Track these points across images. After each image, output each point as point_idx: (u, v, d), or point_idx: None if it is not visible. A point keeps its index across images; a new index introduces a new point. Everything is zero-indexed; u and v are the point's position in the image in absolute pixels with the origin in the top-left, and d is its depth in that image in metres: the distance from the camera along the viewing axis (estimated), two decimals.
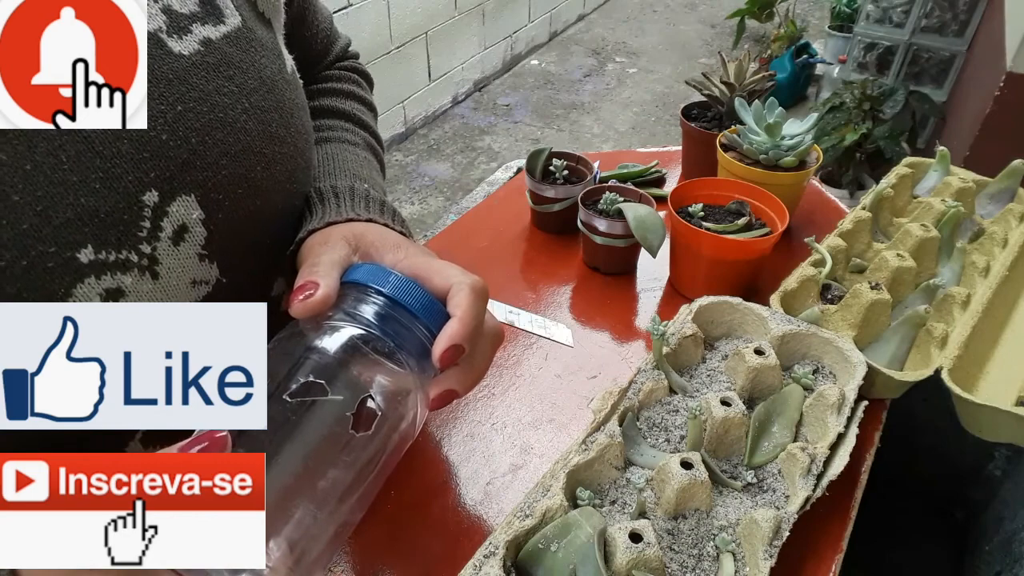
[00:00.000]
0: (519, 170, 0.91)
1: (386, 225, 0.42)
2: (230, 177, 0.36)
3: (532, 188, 0.76)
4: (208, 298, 0.38)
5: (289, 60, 0.43)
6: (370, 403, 0.33)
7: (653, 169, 0.88)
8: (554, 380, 0.60)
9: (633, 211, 0.66)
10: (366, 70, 0.61)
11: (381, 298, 0.35)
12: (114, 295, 0.33)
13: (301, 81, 0.45)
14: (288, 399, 0.31)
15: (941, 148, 0.79)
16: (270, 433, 0.30)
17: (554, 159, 0.77)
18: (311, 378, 0.32)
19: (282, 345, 0.34)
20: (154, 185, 0.33)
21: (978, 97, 1.74)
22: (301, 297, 0.34)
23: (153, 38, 0.34)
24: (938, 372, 0.53)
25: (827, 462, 0.46)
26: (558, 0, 3.46)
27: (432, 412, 0.57)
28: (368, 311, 0.35)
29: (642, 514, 0.44)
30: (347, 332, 0.34)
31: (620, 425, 0.48)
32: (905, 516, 0.71)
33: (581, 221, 0.71)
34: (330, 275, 0.35)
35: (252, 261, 0.40)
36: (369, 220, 0.42)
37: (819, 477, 0.45)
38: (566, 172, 0.77)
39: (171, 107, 0.34)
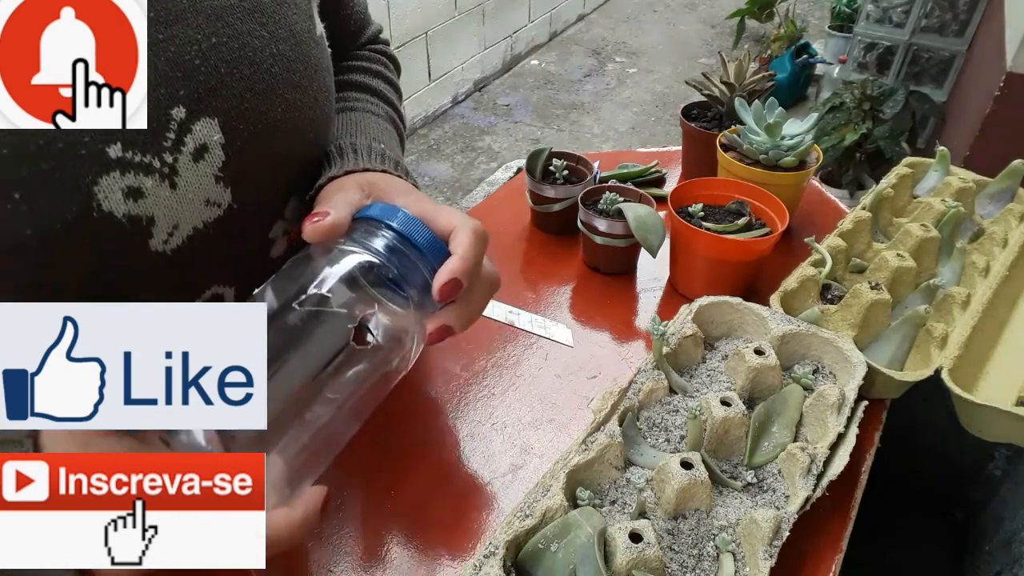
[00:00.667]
0: (519, 170, 0.91)
1: (399, 177, 0.45)
2: (252, 111, 0.39)
3: (532, 188, 0.76)
4: (220, 220, 0.40)
5: (319, 25, 0.46)
6: (370, 325, 0.36)
7: (653, 169, 0.88)
8: (554, 380, 0.60)
9: (633, 211, 0.66)
10: (395, 55, 0.64)
11: (389, 232, 0.37)
12: (134, 194, 0.35)
13: (330, 50, 0.48)
14: (296, 307, 0.34)
15: (941, 148, 0.79)
16: (276, 338, 0.33)
17: (554, 159, 0.77)
18: (318, 291, 0.35)
19: (294, 265, 0.37)
20: (182, 102, 0.36)
21: (978, 97, 1.74)
22: (314, 220, 0.37)
23: None
24: (938, 372, 0.53)
25: (827, 462, 0.46)
26: (558, 0, 3.46)
27: (432, 412, 0.57)
28: (377, 242, 0.37)
29: (642, 514, 0.44)
30: (355, 257, 0.36)
31: (620, 425, 0.48)
32: (905, 516, 0.71)
33: (581, 221, 0.71)
34: (342, 209, 0.38)
35: (263, 195, 0.43)
36: (384, 171, 0.45)
37: (819, 477, 0.45)
38: (566, 172, 0.77)
39: (207, 38, 0.37)
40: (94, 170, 0.34)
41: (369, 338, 0.36)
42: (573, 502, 0.44)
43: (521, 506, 0.43)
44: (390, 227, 0.38)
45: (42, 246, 0.33)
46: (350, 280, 0.36)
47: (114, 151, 0.34)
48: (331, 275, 0.36)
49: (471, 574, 0.39)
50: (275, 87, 0.40)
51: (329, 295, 0.35)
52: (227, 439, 0.31)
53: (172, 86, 0.36)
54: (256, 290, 0.36)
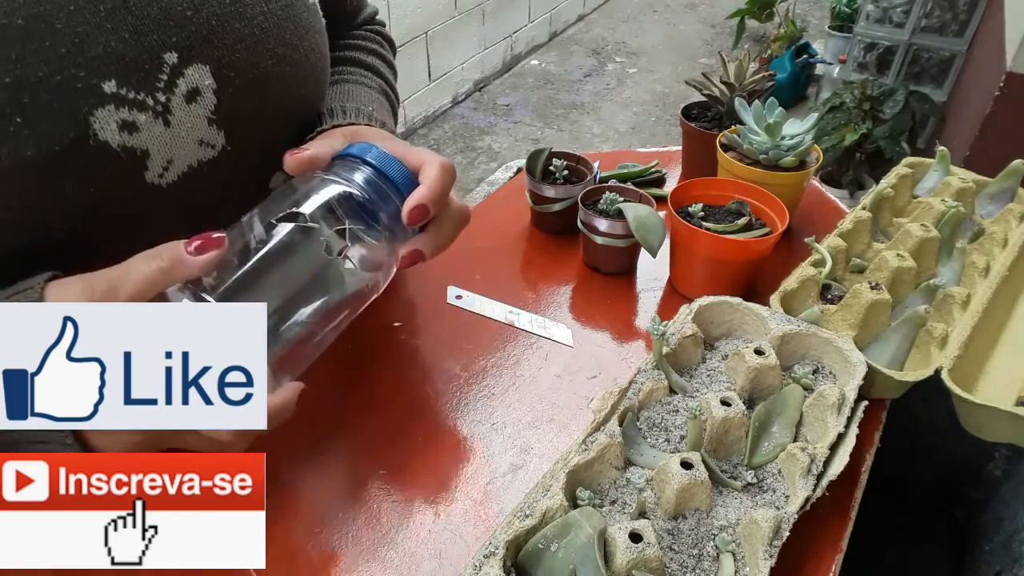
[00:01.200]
0: (519, 170, 0.91)
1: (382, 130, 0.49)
2: (242, 61, 0.42)
3: (532, 188, 0.76)
4: (214, 161, 0.43)
5: None
6: (346, 249, 0.39)
7: (653, 169, 0.88)
8: (554, 380, 0.60)
9: (633, 211, 0.66)
10: (389, 36, 0.67)
11: (365, 166, 0.41)
12: (129, 127, 0.38)
13: (327, 31, 0.51)
14: (273, 221, 0.37)
15: (941, 148, 0.79)
16: (257, 252, 0.37)
17: (554, 159, 0.77)
18: (296, 209, 0.38)
19: (279, 193, 0.41)
20: (175, 48, 0.39)
21: (978, 97, 1.74)
22: (294, 153, 0.41)
23: None
24: (938, 372, 0.53)
25: (827, 462, 0.46)
26: (558, 0, 3.46)
27: (432, 412, 0.57)
28: (354, 175, 0.41)
29: (642, 514, 0.44)
30: (334, 186, 0.40)
31: (620, 425, 0.48)
32: (905, 516, 0.71)
33: (581, 221, 0.71)
34: (321, 147, 0.42)
35: (256, 140, 0.46)
36: (368, 125, 0.49)
37: (819, 477, 0.45)
38: (566, 172, 0.77)
39: None
40: (90, 102, 0.36)
41: (346, 262, 0.40)
42: (573, 502, 0.44)
43: (521, 506, 0.43)
44: (366, 161, 0.41)
45: (41, 166, 0.35)
46: (328, 206, 0.39)
47: (109, 87, 0.37)
48: (310, 199, 0.39)
49: (471, 574, 0.39)
50: (265, 41, 0.43)
51: (306, 215, 0.38)
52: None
53: (164, 32, 0.38)
54: (244, 216, 0.39)
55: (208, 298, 0.34)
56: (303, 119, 0.49)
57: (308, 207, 0.39)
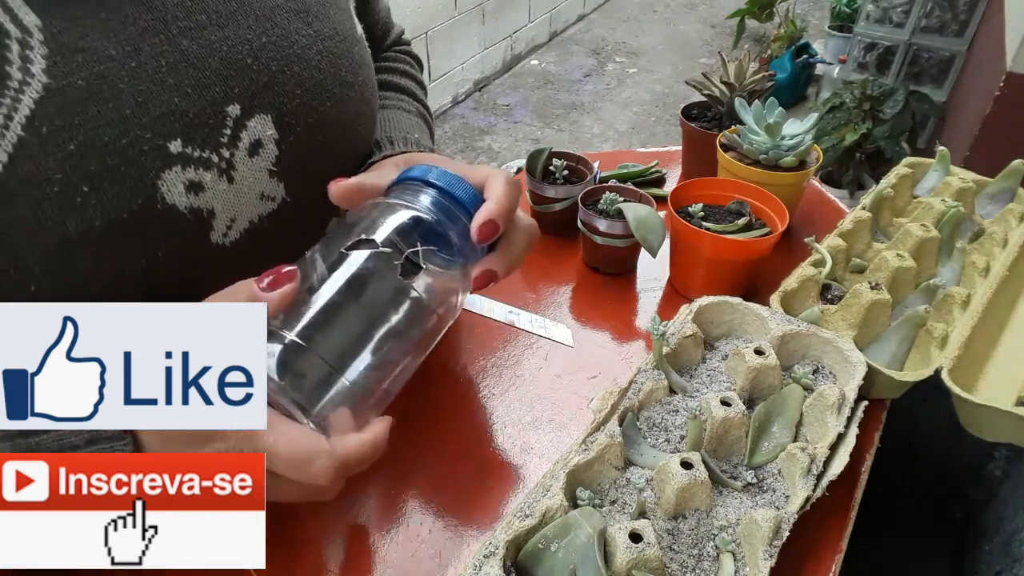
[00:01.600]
0: (519, 170, 0.91)
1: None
2: (302, 107, 0.41)
3: (532, 188, 0.76)
4: (274, 214, 0.42)
5: (359, 26, 0.48)
6: (417, 275, 0.38)
7: (653, 169, 0.88)
8: (554, 380, 0.60)
9: (633, 211, 0.66)
10: (417, 54, 0.67)
11: (429, 187, 0.40)
12: (195, 188, 0.37)
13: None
14: (344, 251, 0.36)
15: (941, 148, 0.79)
16: (329, 286, 0.35)
17: (554, 159, 0.77)
18: (365, 236, 0.37)
19: (340, 228, 0.39)
20: (237, 99, 0.38)
21: (978, 97, 1.74)
22: (339, 180, 0.40)
23: None
24: (938, 372, 0.53)
25: (827, 462, 0.46)
26: (558, 0, 3.46)
27: (432, 412, 0.57)
28: (419, 197, 0.39)
29: (642, 514, 0.44)
30: (401, 211, 0.39)
31: (620, 425, 0.48)
32: (905, 516, 0.71)
33: (581, 221, 0.71)
34: (369, 177, 0.41)
35: (314, 188, 0.44)
36: (418, 152, 0.49)
37: (819, 477, 0.45)
38: (566, 172, 0.77)
39: (257, 37, 0.39)
40: (157, 164, 0.35)
41: (417, 286, 0.37)
42: (573, 502, 0.44)
43: (521, 506, 0.43)
44: (428, 183, 0.40)
45: (109, 235, 0.34)
46: (397, 231, 0.38)
47: (174, 146, 0.35)
48: (378, 225, 0.38)
49: (471, 574, 0.39)
50: (324, 83, 0.42)
51: (376, 241, 0.36)
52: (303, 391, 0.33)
53: (226, 84, 0.37)
54: (307, 253, 0.38)
55: (287, 335, 0.32)
56: (358, 158, 0.48)
57: (378, 234, 0.37)
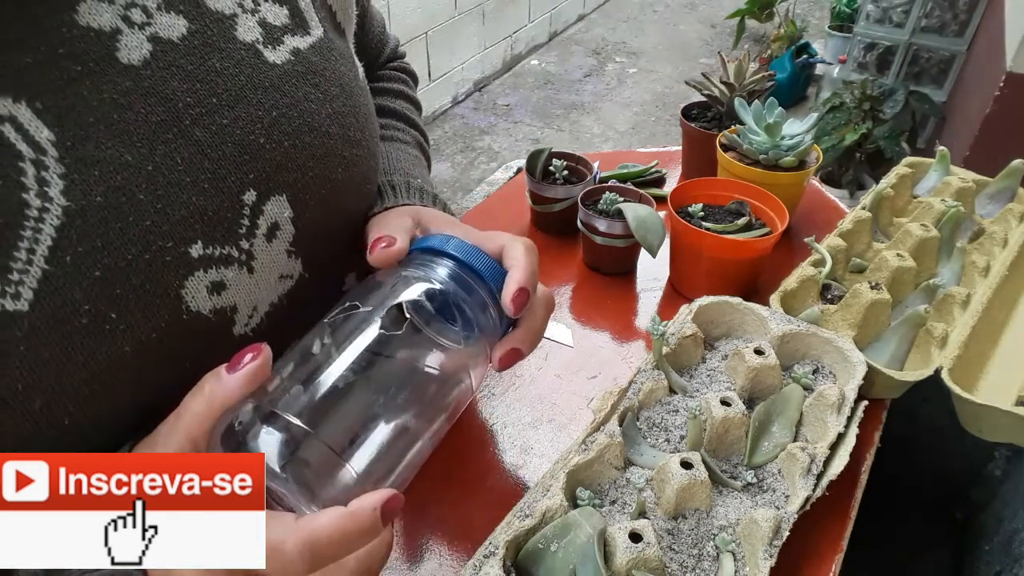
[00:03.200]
0: (519, 170, 0.91)
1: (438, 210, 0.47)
2: (316, 178, 0.39)
3: (532, 188, 0.76)
4: (291, 292, 0.40)
5: (360, 67, 0.45)
6: (435, 352, 0.36)
7: (653, 169, 0.88)
8: (554, 380, 0.60)
9: (633, 211, 0.66)
10: (412, 69, 0.64)
11: (446, 259, 0.38)
12: (218, 288, 0.35)
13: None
14: (356, 329, 0.34)
15: (941, 148, 0.79)
16: (338, 361, 0.33)
17: (554, 159, 0.77)
18: (376, 310, 0.35)
19: (356, 294, 0.37)
20: (253, 185, 0.36)
21: (978, 97, 1.74)
22: (382, 245, 0.38)
23: (251, 49, 0.36)
24: (938, 372, 0.53)
25: (827, 462, 0.46)
26: (558, 0, 3.46)
27: None
28: (436, 270, 0.38)
29: (642, 514, 0.44)
30: (416, 284, 0.37)
31: (620, 425, 0.48)
32: (905, 516, 0.71)
33: (581, 221, 0.71)
34: (403, 236, 0.39)
35: (330, 257, 0.43)
36: (423, 206, 0.46)
37: (819, 477, 0.45)
38: (566, 172, 0.77)
39: (267, 112, 0.36)
40: (180, 273, 0.33)
41: (431, 362, 0.35)
42: (573, 502, 0.44)
43: (521, 506, 0.43)
44: (446, 254, 0.38)
45: (138, 357, 0.32)
46: (413, 307, 0.36)
47: (196, 250, 0.34)
48: (392, 300, 0.35)
49: (471, 574, 0.39)
50: (334, 148, 0.40)
51: (389, 317, 0.34)
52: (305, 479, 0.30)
53: (241, 171, 0.35)
54: (325, 318, 0.36)
55: (289, 418, 0.29)
56: (366, 213, 0.46)
57: (392, 310, 0.35)
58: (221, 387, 0.30)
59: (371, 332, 0.34)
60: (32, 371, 0.29)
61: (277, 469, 0.28)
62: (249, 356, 0.30)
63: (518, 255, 0.38)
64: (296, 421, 0.29)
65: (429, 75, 2.68)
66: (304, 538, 0.27)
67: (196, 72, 0.34)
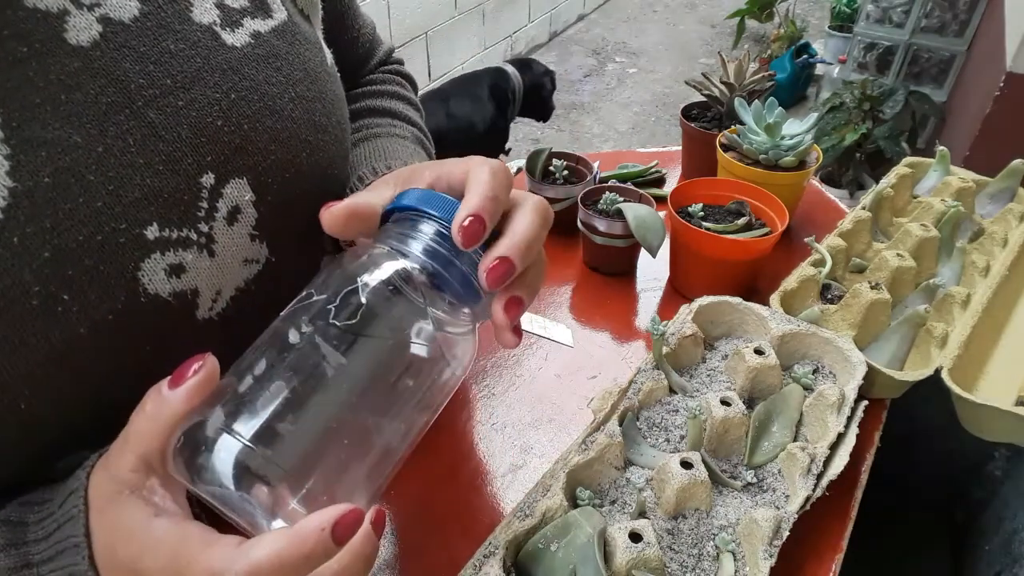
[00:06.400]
0: (519, 170, 0.91)
1: None
2: (278, 162, 0.38)
3: (532, 188, 0.76)
4: (259, 276, 0.39)
5: (329, 54, 0.45)
6: (415, 333, 0.32)
7: (653, 169, 0.88)
8: (554, 380, 0.60)
9: (633, 211, 0.66)
10: (409, 73, 0.63)
11: (410, 221, 0.33)
12: (177, 271, 0.34)
13: (340, 77, 0.46)
14: (334, 322, 0.30)
15: (941, 148, 0.79)
16: (312, 353, 0.30)
17: (554, 159, 0.77)
18: (356, 299, 0.31)
19: (325, 278, 0.33)
20: (211, 168, 0.35)
21: (978, 97, 1.74)
22: (329, 206, 0.35)
23: (208, 31, 0.36)
24: (938, 372, 0.53)
25: (827, 462, 0.46)
26: (558, 0, 3.46)
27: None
28: (398, 239, 0.33)
29: (642, 514, 0.44)
30: (388, 262, 0.32)
31: (620, 425, 0.48)
32: (905, 516, 0.71)
33: (581, 221, 0.71)
34: (363, 196, 0.36)
35: (298, 243, 0.42)
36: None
37: (819, 477, 0.45)
38: (566, 172, 0.77)
39: (225, 95, 0.36)
40: (135, 255, 0.32)
41: (415, 347, 0.32)
42: (573, 502, 0.44)
43: (521, 506, 0.43)
44: (403, 209, 0.33)
45: (95, 339, 0.32)
46: (388, 284, 0.32)
47: (151, 232, 0.33)
48: (368, 282, 0.32)
49: (471, 574, 0.39)
50: (298, 132, 0.39)
51: (365, 302, 0.31)
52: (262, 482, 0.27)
53: (198, 153, 0.34)
54: (285, 310, 0.33)
55: (239, 434, 0.27)
56: (335, 198, 0.42)
57: (368, 296, 0.31)
58: (164, 405, 0.28)
59: (331, 326, 0.30)
60: None
61: (232, 487, 0.27)
62: (192, 369, 0.28)
63: (476, 177, 0.32)
64: (247, 436, 0.27)
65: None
66: (244, 569, 0.25)
67: (149, 53, 0.33)
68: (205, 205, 0.35)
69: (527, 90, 2.13)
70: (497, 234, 0.33)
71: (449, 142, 1.93)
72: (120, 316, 0.32)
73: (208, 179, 0.35)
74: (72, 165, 0.30)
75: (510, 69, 2.11)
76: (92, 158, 0.31)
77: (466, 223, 0.31)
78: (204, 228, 0.35)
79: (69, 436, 0.32)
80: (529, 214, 0.33)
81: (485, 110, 2.03)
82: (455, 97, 2.01)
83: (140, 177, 0.32)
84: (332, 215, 0.35)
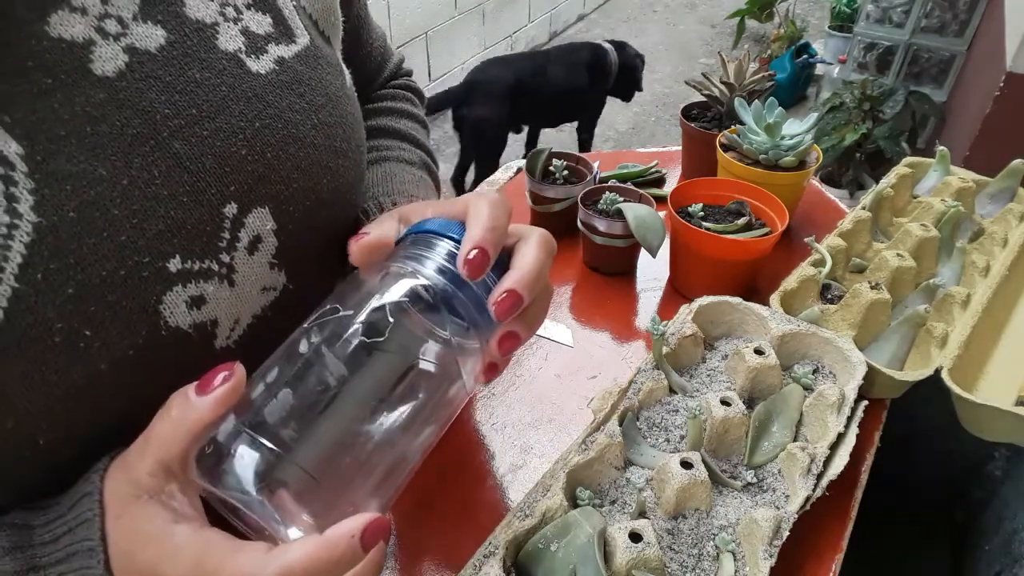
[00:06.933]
0: (519, 170, 0.91)
1: None
2: (300, 190, 0.38)
3: (532, 188, 0.76)
4: (276, 303, 0.39)
5: (348, 75, 0.44)
6: (424, 351, 0.33)
7: (653, 169, 0.88)
8: (554, 380, 0.60)
9: (633, 211, 0.66)
10: (418, 87, 0.63)
11: (433, 240, 0.34)
12: (197, 302, 0.34)
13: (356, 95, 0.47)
14: (359, 338, 0.31)
15: (941, 148, 0.79)
16: (323, 368, 0.30)
17: (554, 159, 0.77)
18: (368, 320, 0.32)
19: (340, 297, 0.34)
20: (234, 198, 0.35)
21: (978, 97, 1.74)
22: (357, 237, 0.36)
23: (233, 59, 0.35)
24: (938, 372, 0.53)
25: (827, 462, 0.46)
26: (558, 0, 3.46)
27: None
28: (424, 263, 0.34)
29: (642, 514, 0.44)
30: (403, 280, 0.33)
31: (620, 425, 0.48)
32: (905, 516, 0.71)
33: (581, 221, 0.71)
34: (377, 228, 0.37)
35: (315, 269, 0.41)
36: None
37: (819, 477, 0.45)
38: (566, 172, 0.77)
39: (250, 123, 0.35)
40: (157, 289, 0.32)
41: (423, 364, 0.32)
42: (573, 502, 0.44)
43: (521, 506, 0.43)
44: (429, 233, 0.35)
45: (115, 375, 0.31)
46: (400, 305, 0.33)
47: (174, 265, 0.33)
48: (391, 298, 0.33)
49: (471, 574, 0.39)
50: (320, 159, 0.39)
51: (390, 318, 0.32)
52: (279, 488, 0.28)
53: (221, 183, 0.34)
54: (305, 323, 0.34)
55: (265, 441, 0.27)
56: (352, 225, 0.44)
57: (391, 309, 0.32)
58: (191, 410, 0.28)
59: (350, 339, 0.31)
60: (2, 391, 0.28)
61: (254, 493, 0.27)
62: (221, 377, 0.29)
63: (476, 212, 0.34)
64: (270, 444, 0.27)
65: (429, 75, 2.68)
66: (276, 572, 0.26)
67: (175, 83, 0.33)
68: (227, 235, 0.35)
69: (620, 68, 2.29)
70: (507, 257, 0.35)
71: (542, 98, 2.24)
72: (141, 351, 0.32)
73: (231, 209, 0.35)
74: (97, 199, 0.30)
75: (607, 46, 2.28)
76: (117, 191, 0.31)
77: (471, 256, 0.32)
78: (225, 259, 0.35)
79: (85, 468, 0.31)
80: (534, 248, 0.35)
81: (578, 78, 2.25)
82: (552, 64, 2.26)
83: (164, 209, 0.32)
84: (361, 248, 0.35)
